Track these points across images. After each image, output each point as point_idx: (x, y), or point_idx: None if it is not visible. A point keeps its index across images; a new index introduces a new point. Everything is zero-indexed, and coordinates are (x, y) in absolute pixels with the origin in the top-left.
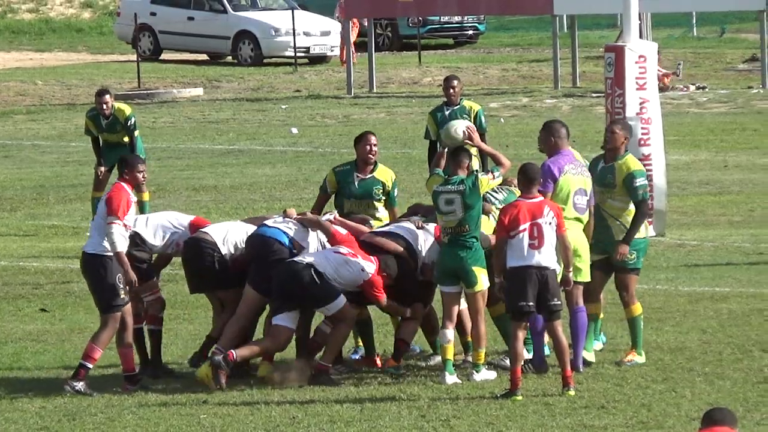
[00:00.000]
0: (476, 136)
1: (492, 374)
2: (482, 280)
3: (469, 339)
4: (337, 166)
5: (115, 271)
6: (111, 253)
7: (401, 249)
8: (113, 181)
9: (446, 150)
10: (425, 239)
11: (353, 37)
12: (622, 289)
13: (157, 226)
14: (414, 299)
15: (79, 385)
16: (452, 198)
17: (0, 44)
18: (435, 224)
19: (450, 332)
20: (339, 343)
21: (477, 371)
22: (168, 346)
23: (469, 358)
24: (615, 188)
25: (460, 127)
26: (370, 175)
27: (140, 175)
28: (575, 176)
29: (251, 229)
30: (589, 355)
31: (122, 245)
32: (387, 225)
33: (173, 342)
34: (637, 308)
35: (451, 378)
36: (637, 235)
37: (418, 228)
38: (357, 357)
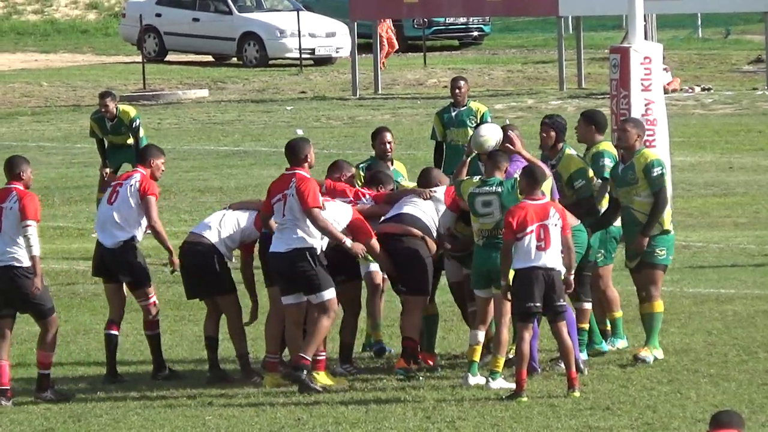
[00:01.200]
0: (518, 143)
1: (508, 384)
2: None
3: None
4: (359, 163)
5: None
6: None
7: (418, 233)
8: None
9: (468, 157)
10: (437, 208)
11: (386, 48)
12: (648, 284)
13: (126, 221)
14: (416, 285)
15: (48, 394)
16: (490, 200)
17: (5, 45)
18: (445, 188)
19: (481, 334)
20: (321, 335)
21: (493, 378)
22: (173, 348)
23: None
24: (638, 183)
25: (490, 135)
26: (393, 168)
27: (26, 175)
28: None
29: (242, 216)
30: (658, 352)
31: (38, 249)
32: (397, 203)
33: (178, 344)
34: (660, 305)
35: (474, 379)
36: (668, 231)
37: (426, 199)
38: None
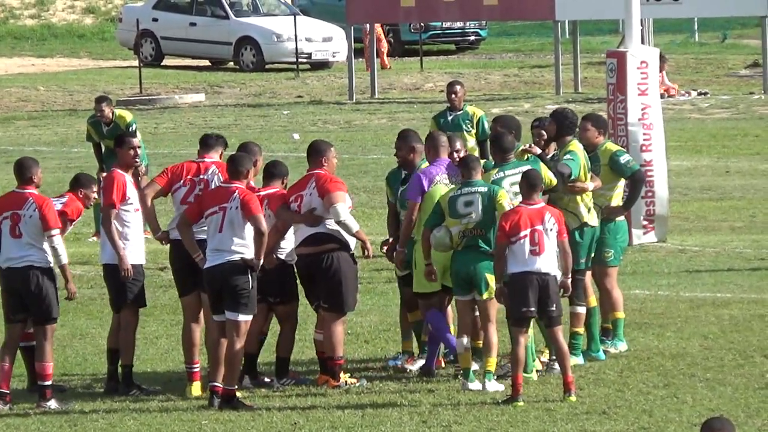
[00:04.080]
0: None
1: (501, 386)
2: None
3: (478, 344)
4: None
5: (53, 282)
6: (47, 266)
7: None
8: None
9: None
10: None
11: (385, 48)
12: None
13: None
14: (335, 301)
15: (52, 403)
16: (472, 199)
17: (2, 50)
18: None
19: (466, 340)
20: (238, 361)
21: (488, 379)
22: (170, 352)
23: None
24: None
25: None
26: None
27: (36, 178)
28: (448, 186)
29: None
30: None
31: (66, 257)
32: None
33: (175, 348)
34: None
35: (472, 385)
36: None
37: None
38: (398, 363)
